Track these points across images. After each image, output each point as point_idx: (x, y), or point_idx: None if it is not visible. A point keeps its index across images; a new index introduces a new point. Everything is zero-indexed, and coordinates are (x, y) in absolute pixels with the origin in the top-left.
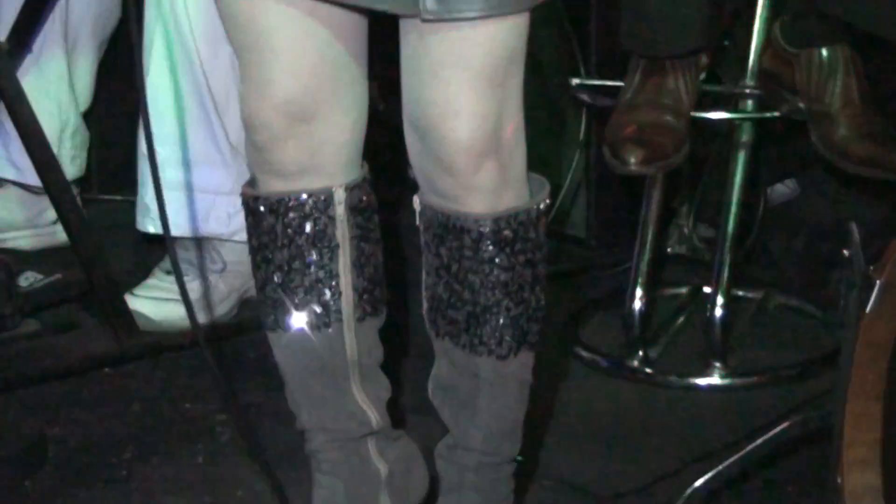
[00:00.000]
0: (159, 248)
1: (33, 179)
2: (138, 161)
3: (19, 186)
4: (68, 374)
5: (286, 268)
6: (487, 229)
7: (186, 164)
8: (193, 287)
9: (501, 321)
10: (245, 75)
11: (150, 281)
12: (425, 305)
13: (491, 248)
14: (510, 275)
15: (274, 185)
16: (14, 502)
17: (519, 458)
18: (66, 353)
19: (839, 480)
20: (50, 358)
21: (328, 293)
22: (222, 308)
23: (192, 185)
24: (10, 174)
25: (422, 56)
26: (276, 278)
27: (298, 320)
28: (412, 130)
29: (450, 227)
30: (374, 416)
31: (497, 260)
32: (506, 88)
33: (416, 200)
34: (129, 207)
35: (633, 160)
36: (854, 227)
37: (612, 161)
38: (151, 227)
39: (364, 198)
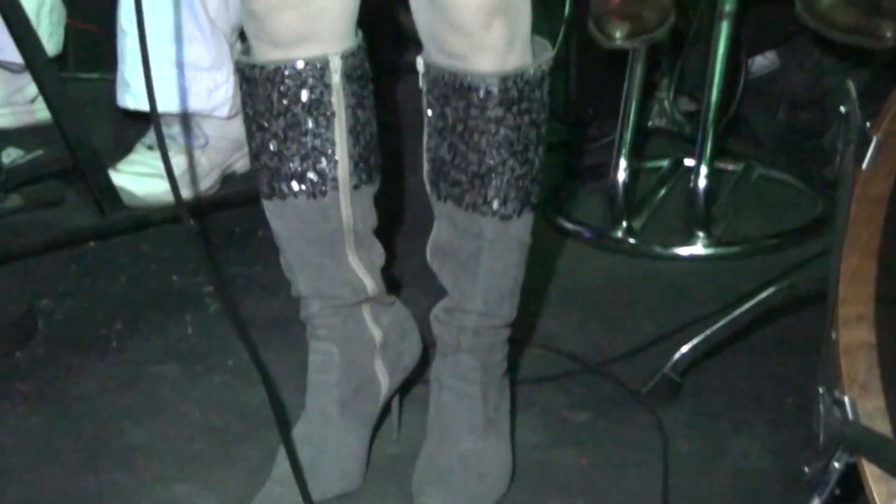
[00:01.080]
0: (140, 124)
1: (11, 56)
2: (118, 37)
3: None
4: (54, 248)
5: (282, 136)
6: (495, 88)
7: (166, 40)
8: (177, 162)
9: (506, 181)
10: None
11: (133, 157)
12: (427, 168)
13: (498, 107)
14: (516, 134)
15: (270, 54)
16: (5, 373)
17: None
18: (51, 227)
19: (833, 337)
20: (35, 232)
21: (324, 161)
22: (205, 183)
23: (172, 61)
24: None
25: None
26: (271, 146)
27: (294, 188)
28: None
29: (457, 87)
30: (370, 282)
31: (504, 119)
32: None
33: (419, 61)
34: (107, 85)
35: (618, 34)
36: (851, 85)
37: (598, 36)
38: (132, 102)
39: (359, 66)
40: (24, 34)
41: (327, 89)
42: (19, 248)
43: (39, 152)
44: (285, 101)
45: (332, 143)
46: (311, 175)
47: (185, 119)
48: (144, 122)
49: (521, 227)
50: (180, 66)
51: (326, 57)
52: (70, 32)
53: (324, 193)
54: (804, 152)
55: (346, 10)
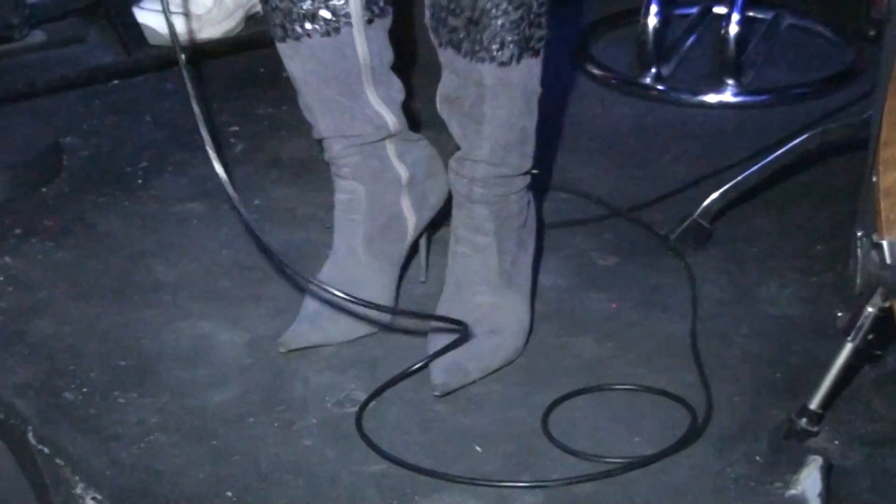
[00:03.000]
0: None
1: None
2: None
3: None
4: (77, 86)
5: None
6: None
7: None
8: (202, 2)
9: (500, 24)
10: None
11: None
12: (427, 14)
13: None
14: None
15: None
16: (31, 208)
17: (535, 171)
18: (75, 64)
19: (874, 179)
20: (59, 69)
21: None
22: (229, 23)
23: None
24: None
25: None
26: None
27: (308, 27)
28: None
29: None
30: (391, 118)
31: None
32: None
33: None
34: None
35: None
36: None
37: None
38: None
39: None
40: None
41: None
42: (43, 84)
43: None
44: None
45: None
46: (323, 12)
47: None
48: None
49: (523, 73)
50: None
51: None
52: None
53: (337, 30)
54: (836, 1)
55: None
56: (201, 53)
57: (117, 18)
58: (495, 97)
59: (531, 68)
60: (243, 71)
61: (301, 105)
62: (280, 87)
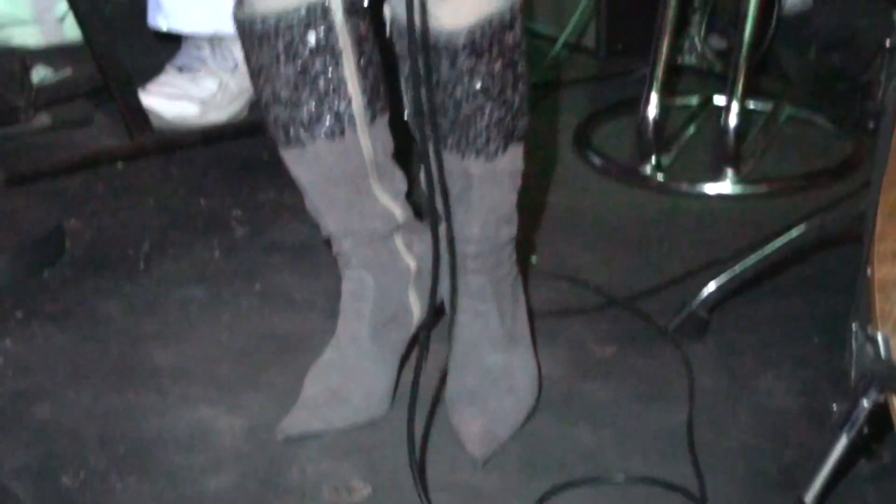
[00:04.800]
0: (170, 46)
1: None
2: None
3: None
4: (82, 168)
5: (293, 83)
6: (462, 42)
7: None
8: (206, 86)
9: (486, 123)
10: None
11: (163, 78)
12: (408, 110)
13: (468, 59)
14: (491, 81)
15: (272, 3)
16: (33, 292)
17: (533, 259)
18: (80, 147)
19: (868, 272)
20: (63, 152)
21: (338, 100)
22: (234, 107)
23: None
24: None
25: None
26: (283, 95)
27: (313, 132)
28: None
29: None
30: (398, 210)
31: (475, 69)
32: None
33: (386, 10)
34: (137, 5)
35: None
36: None
37: None
38: (164, 23)
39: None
40: None
41: (331, 29)
42: (48, 167)
43: (68, 71)
44: (292, 49)
45: (344, 82)
46: (326, 117)
47: (216, 42)
48: (175, 44)
49: (509, 160)
50: None
51: None
52: None
53: (342, 133)
54: (835, 92)
55: None
56: (205, 138)
57: (123, 102)
58: (483, 184)
59: (516, 153)
60: (246, 155)
61: (307, 206)
62: (282, 172)
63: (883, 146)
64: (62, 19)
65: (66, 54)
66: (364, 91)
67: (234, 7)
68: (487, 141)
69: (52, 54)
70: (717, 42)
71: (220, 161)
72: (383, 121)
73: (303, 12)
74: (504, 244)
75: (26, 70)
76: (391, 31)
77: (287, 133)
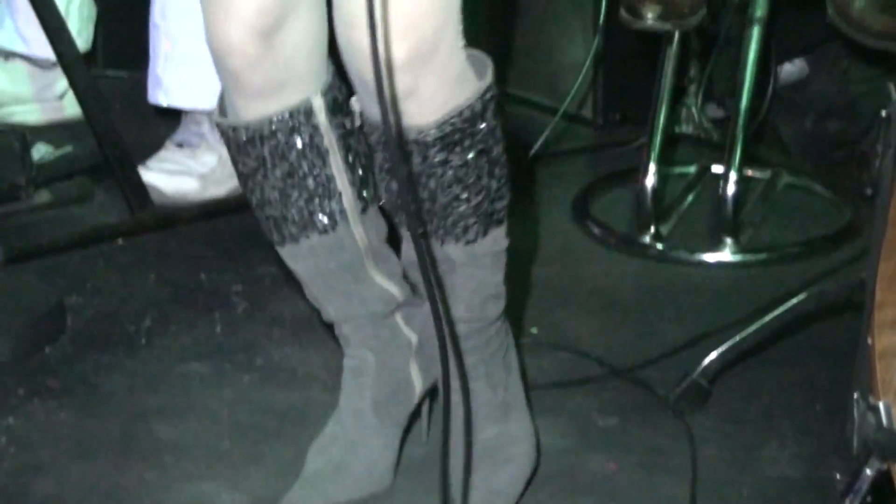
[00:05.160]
0: (170, 122)
1: (41, 52)
2: (150, 33)
3: (27, 60)
4: (83, 245)
5: (282, 185)
6: (432, 137)
7: (199, 36)
8: (206, 161)
9: (463, 211)
10: (209, 4)
11: (162, 154)
12: (385, 198)
13: (440, 153)
14: (465, 170)
15: (253, 108)
16: (34, 368)
17: (534, 329)
18: (80, 223)
19: (869, 342)
20: (64, 228)
21: (328, 197)
22: (233, 182)
23: (204, 58)
24: (18, 47)
25: None
26: (273, 197)
27: (305, 230)
28: (339, 31)
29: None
30: (396, 290)
31: (448, 161)
32: None
33: (353, 102)
34: (136, 82)
35: (650, 14)
36: (892, 87)
37: (628, 17)
38: (163, 99)
39: (338, 95)
40: (55, 28)
41: (316, 130)
42: (49, 244)
43: (69, 148)
44: (278, 153)
45: (332, 179)
46: (318, 215)
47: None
48: (174, 120)
49: (490, 243)
50: (211, 62)
51: (309, 100)
52: (100, 30)
53: (334, 228)
54: (832, 160)
55: (318, 43)
56: (205, 213)
57: (123, 178)
58: (465, 268)
59: (498, 235)
60: (246, 230)
61: (307, 294)
62: None
63: (880, 216)
64: (62, 96)
65: (67, 131)
66: (353, 184)
67: (217, 115)
68: (466, 228)
69: (53, 131)
70: (714, 111)
71: (219, 235)
72: (374, 209)
73: (286, 116)
74: (492, 321)
75: (26, 147)
76: (359, 120)
77: (280, 231)
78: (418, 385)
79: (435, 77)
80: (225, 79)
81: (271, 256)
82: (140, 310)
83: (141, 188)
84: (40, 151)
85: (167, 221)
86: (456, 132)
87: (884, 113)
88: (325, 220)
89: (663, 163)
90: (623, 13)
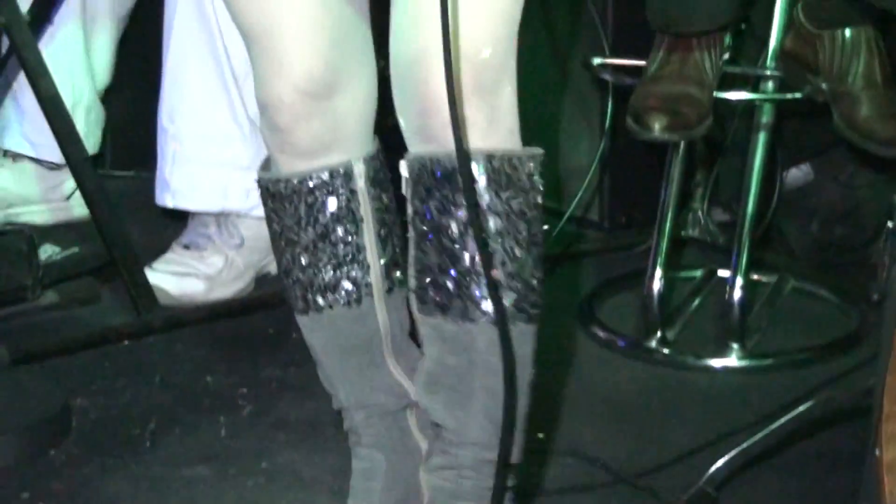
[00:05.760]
0: (176, 223)
1: (48, 155)
2: (158, 135)
3: (34, 161)
4: (89, 346)
5: (312, 247)
6: (480, 165)
7: (206, 139)
8: (212, 262)
9: (493, 281)
10: (259, 58)
11: (169, 255)
12: (414, 283)
13: (486, 190)
14: (504, 223)
15: (296, 166)
16: (39, 471)
17: (540, 435)
18: (87, 325)
19: (877, 454)
20: (70, 330)
21: (357, 268)
22: (239, 284)
23: (211, 161)
24: (25, 149)
25: None
26: (302, 260)
27: (330, 299)
28: (399, 68)
29: (439, 175)
30: (411, 387)
31: (492, 205)
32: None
33: (402, 165)
34: (143, 183)
35: (657, 126)
36: None
37: (635, 128)
38: (170, 201)
39: (380, 169)
40: (64, 131)
41: (353, 196)
42: (54, 345)
43: (75, 249)
44: (314, 211)
45: (363, 249)
46: (345, 283)
47: (222, 219)
48: (181, 221)
49: (517, 337)
50: (219, 165)
51: (350, 163)
52: (109, 131)
53: (359, 301)
54: (839, 265)
55: (367, 113)
56: (212, 315)
57: (130, 279)
58: (487, 364)
59: (526, 334)
60: (252, 331)
61: (320, 375)
62: (288, 348)
63: (887, 327)
64: (69, 197)
65: (74, 231)
66: (383, 261)
67: (259, 170)
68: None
69: (60, 231)
70: (721, 215)
71: (225, 337)
72: (401, 294)
73: (325, 175)
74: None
75: (34, 248)
76: (406, 186)
77: (305, 298)
78: (427, 495)
79: (482, 103)
80: (272, 135)
81: (277, 359)
82: (145, 412)
83: (147, 290)
84: (47, 252)
85: (173, 323)
86: (502, 175)
87: (890, 224)
88: (352, 290)
89: (670, 267)
90: (630, 123)
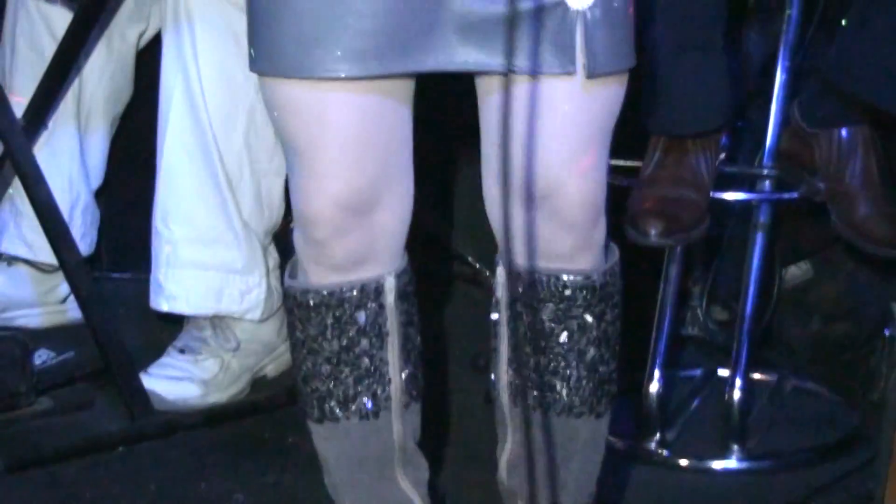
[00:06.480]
0: (172, 327)
1: (44, 257)
2: (152, 238)
3: (29, 265)
4: (83, 453)
5: (335, 359)
6: (598, 284)
7: (200, 242)
8: (208, 366)
9: (598, 379)
10: (301, 170)
11: (164, 360)
12: (505, 380)
13: (600, 303)
14: (612, 328)
15: (328, 278)
16: None
17: None
18: (81, 431)
19: None
20: (64, 436)
21: (378, 381)
22: (235, 388)
23: (205, 264)
24: (21, 252)
25: (545, 114)
26: (324, 370)
27: (348, 411)
28: (522, 196)
29: (556, 290)
30: (418, 500)
31: (604, 315)
32: (607, 144)
33: (499, 272)
34: (139, 285)
35: (653, 231)
36: (894, 305)
37: (632, 233)
38: (165, 305)
39: (409, 283)
40: (58, 234)
41: (382, 310)
42: (48, 453)
43: (70, 354)
44: (341, 324)
45: (386, 363)
46: (365, 397)
47: (217, 322)
48: (176, 325)
49: (608, 423)
50: (214, 268)
51: (382, 278)
52: (104, 232)
53: (377, 415)
54: (840, 363)
55: (402, 229)
56: (207, 419)
57: (124, 384)
58: (585, 450)
59: (609, 418)
60: (249, 436)
61: (327, 483)
62: (286, 453)
63: (886, 438)
64: (64, 300)
65: (69, 336)
66: (404, 376)
67: (287, 277)
68: (600, 399)
69: (55, 335)
70: (720, 313)
71: (221, 442)
72: (417, 407)
73: (356, 290)
74: None
75: (28, 354)
76: (502, 291)
77: (322, 408)
78: None
79: (605, 224)
80: (307, 247)
81: (273, 463)
82: None
83: (142, 394)
84: (42, 357)
85: (168, 428)
86: (611, 285)
87: (887, 332)
88: (370, 404)
89: (668, 366)
90: (627, 228)
